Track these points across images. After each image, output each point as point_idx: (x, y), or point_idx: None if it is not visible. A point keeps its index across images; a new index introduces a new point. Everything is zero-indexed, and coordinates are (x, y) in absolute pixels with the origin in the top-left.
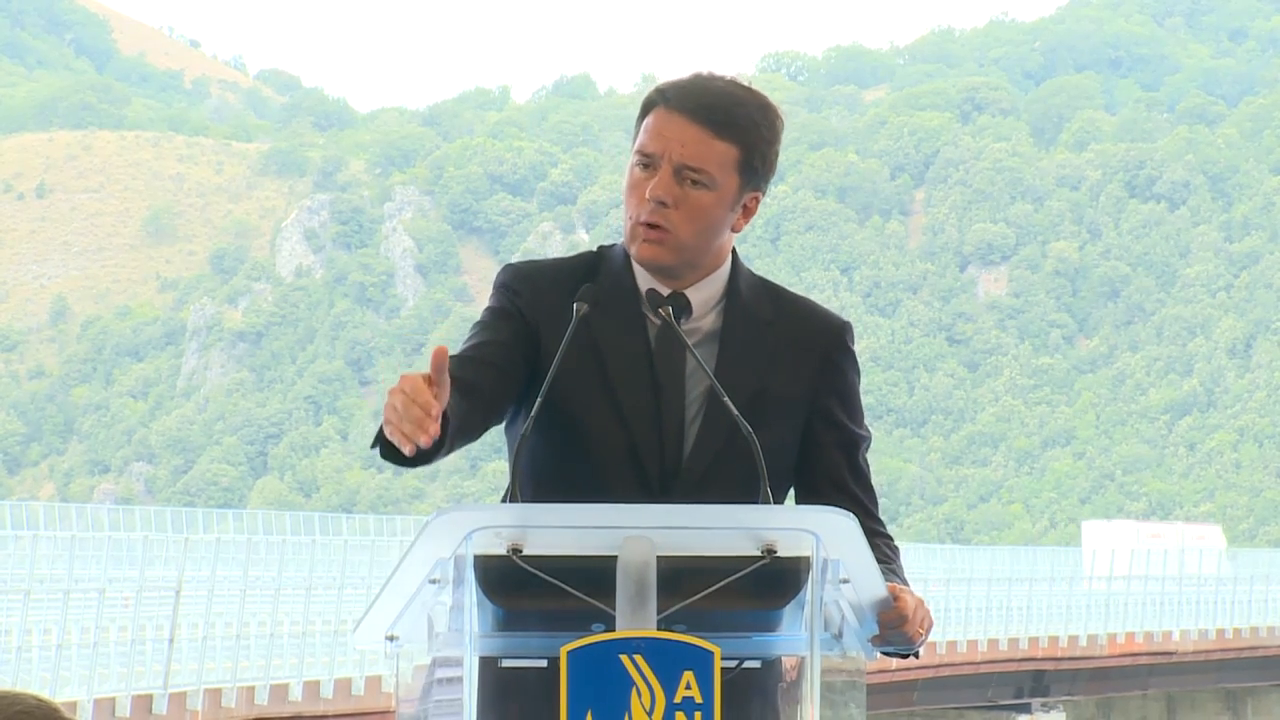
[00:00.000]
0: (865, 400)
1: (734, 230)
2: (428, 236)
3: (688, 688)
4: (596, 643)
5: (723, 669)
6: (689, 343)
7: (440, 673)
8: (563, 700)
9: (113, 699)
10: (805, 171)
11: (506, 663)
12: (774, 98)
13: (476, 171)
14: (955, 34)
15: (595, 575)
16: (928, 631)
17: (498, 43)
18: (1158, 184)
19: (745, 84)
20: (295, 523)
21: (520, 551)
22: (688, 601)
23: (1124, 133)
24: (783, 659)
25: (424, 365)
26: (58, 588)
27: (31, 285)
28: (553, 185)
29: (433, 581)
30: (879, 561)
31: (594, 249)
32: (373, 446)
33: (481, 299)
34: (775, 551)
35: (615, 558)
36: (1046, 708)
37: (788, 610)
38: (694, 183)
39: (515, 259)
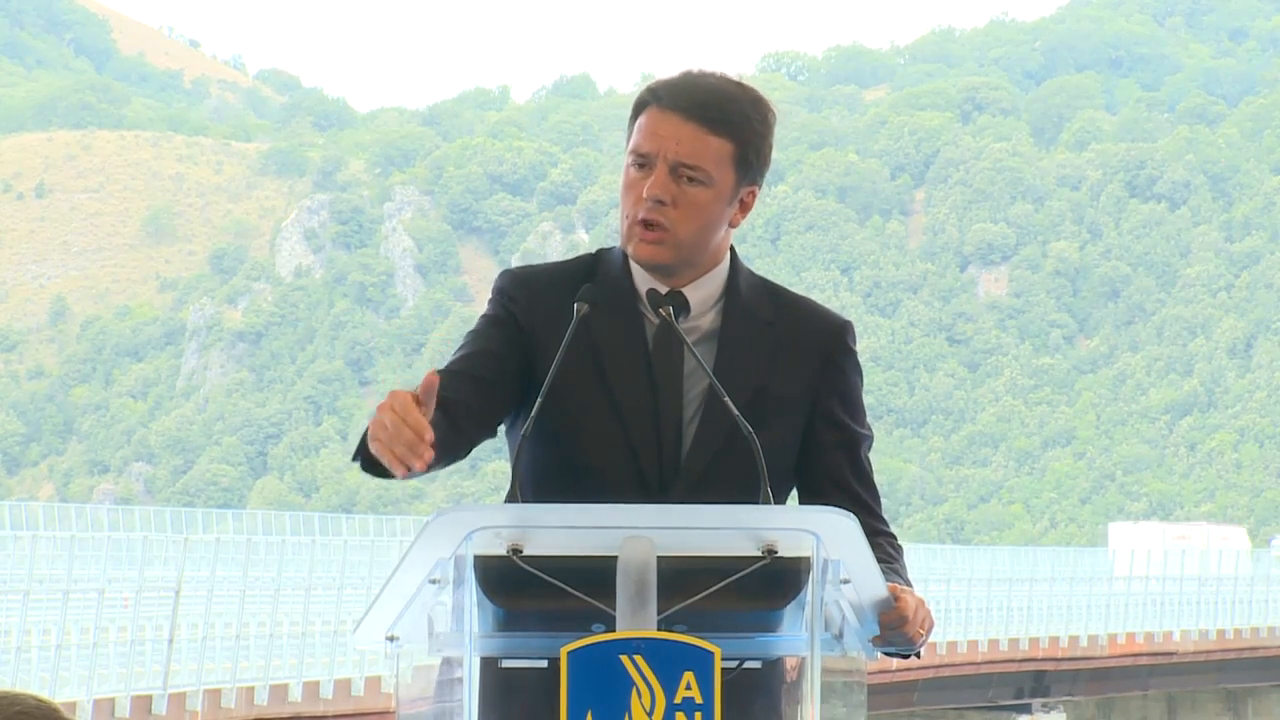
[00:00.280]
0: (865, 400)
1: (732, 226)
2: (428, 236)
3: (688, 688)
4: (597, 643)
5: (723, 669)
6: (688, 341)
7: (441, 673)
8: (563, 701)
9: (112, 699)
10: (805, 171)
11: (506, 663)
12: (774, 98)
13: (476, 171)
14: (955, 34)
15: (595, 575)
16: (928, 632)
17: (498, 43)
18: (1158, 184)
19: (735, 79)
20: (295, 523)
21: (520, 552)
22: (688, 602)
23: (1124, 132)
24: (784, 659)
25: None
26: (57, 588)
27: (31, 285)
28: (553, 185)
29: (433, 582)
30: (882, 561)
31: (593, 252)
32: (354, 459)
33: (481, 299)
34: (776, 552)
35: (615, 558)
36: (1047, 708)
37: (788, 610)
38: (690, 180)
39: (515, 259)
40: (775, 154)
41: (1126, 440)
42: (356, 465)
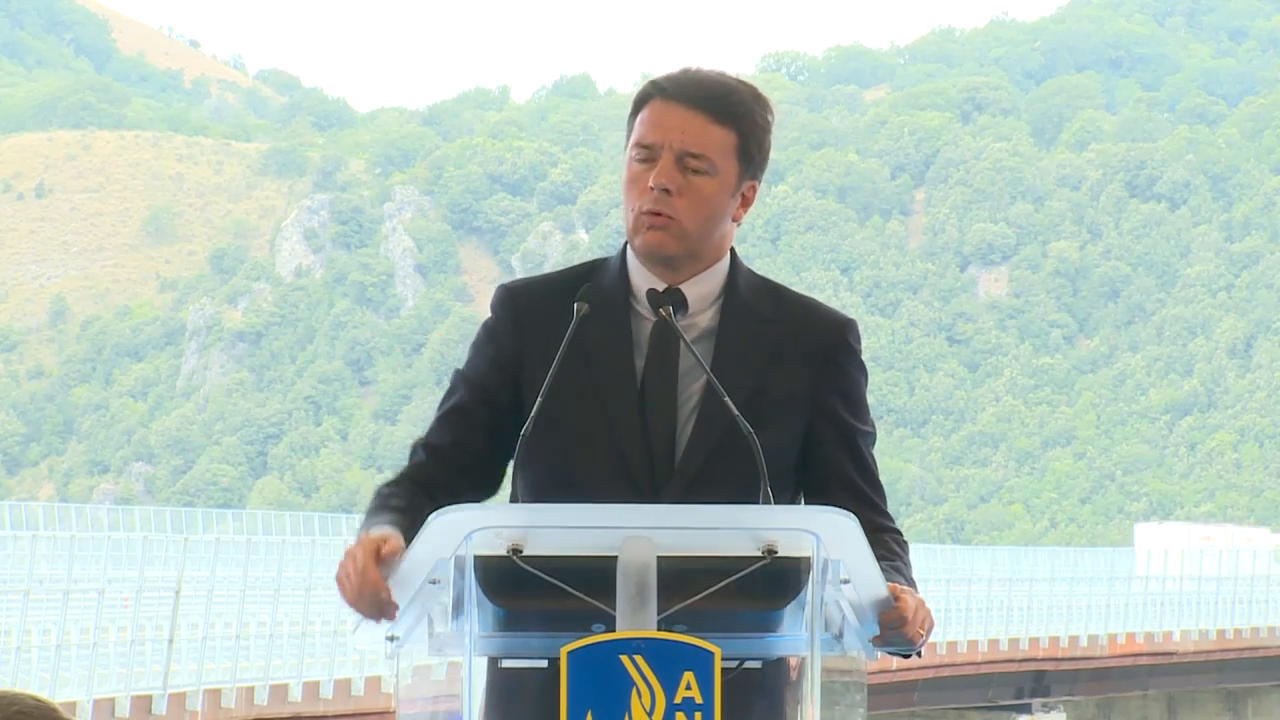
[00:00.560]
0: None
1: (734, 220)
2: (428, 236)
3: (688, 688)
4: (597, 643)
5: (723, 669)
6: (685, 338)
7: (440, 673)
8: (563, 701)
9: (112, 699)
10: (805, 171)
11: (506, 663)
12: (774, 98)
13: (476, 171)
14: (955, 34)
15: (595, 575)
16: (928, 632)
17: (498, 43)
18: (1158, 184)
19: (735, 76)
20: (295, 523)
21: (520, 552)
22: (688, 602)
23: (1124, 133)
24: (785, 659)
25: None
26: (57, 588)
27: (31, 285)
28: (553, 185)
29: (433, 582)
30: (886, 559)
31: (590, 260)
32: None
33: (481, 299)
34: (776, 552)
35: (615, 558)
36: (1047, 708)
37: (788, 610)
38: (695, 170)
39: (515, 259)
40: (775, 154)
41: (1126, 440)
42: (362, 460)
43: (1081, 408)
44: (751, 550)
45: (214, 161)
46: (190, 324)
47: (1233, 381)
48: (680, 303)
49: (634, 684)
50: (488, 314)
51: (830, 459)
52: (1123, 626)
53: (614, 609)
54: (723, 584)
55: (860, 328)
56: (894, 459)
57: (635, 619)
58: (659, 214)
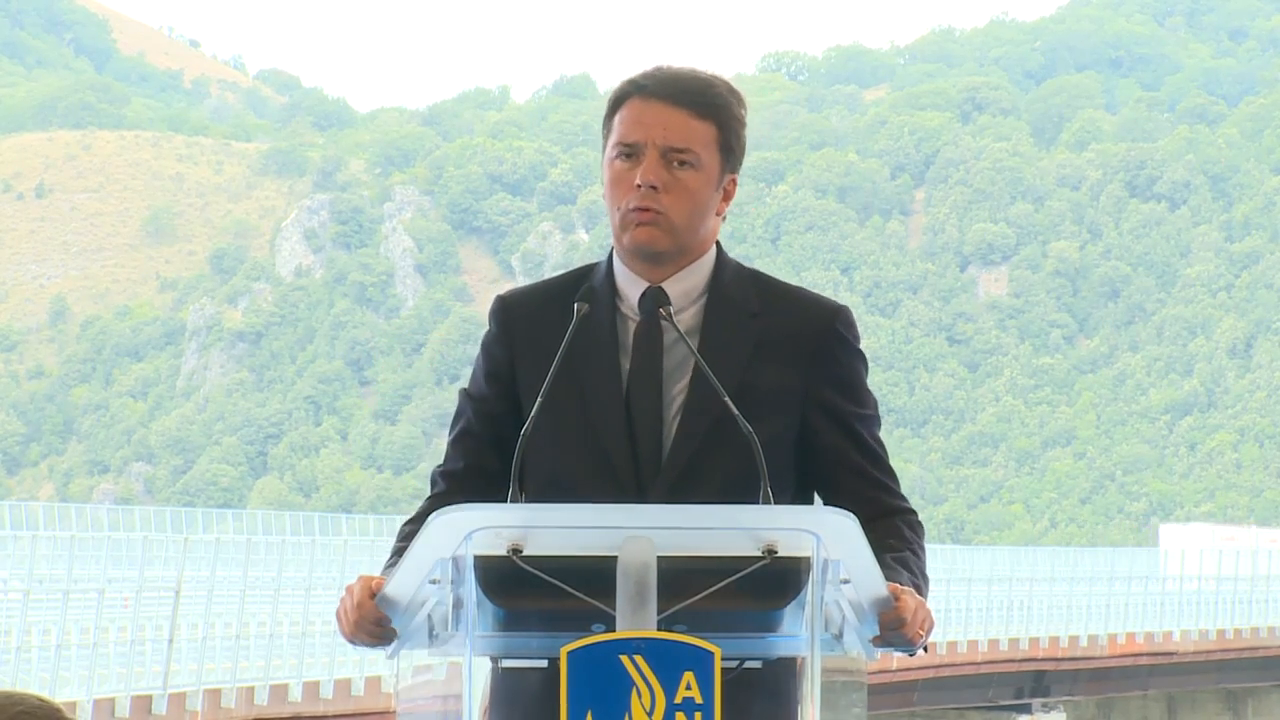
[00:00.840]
0: None
1: (718, 215)
2: (428, 236)
3: (688, 688)
4: (596, 643)
5: (723, 669)
6: (666, 338)
7: (440, 673)
8: (563, 701)
9: (112, 699)
10: (805, 171)
11: (506, 663)
12: (774, 98)
13: (476, 171)
14: (955, 34)
15: (595, 575)
16: (928, 632)
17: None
18: (1158, 184)
19: (705, 71)
20: (295, 523)
21: (520, 552)
22: (688, 602)
23: (1124, 133)
24: (784, 659)
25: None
26: (57, 588)
27: (31, 285)
28: (553, 185)
29: (433, 582)
30: (896, 548)
31: (582, 265)
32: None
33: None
34: (776, 552)
35: (615, 558)
36: (1047, 708)
37: (788, 610)
38: (681, 164)
39: (515, 259)
40: (775, 154)
41: (1126, 440)
42: (362, 460)
43: (1081, 408)
44: (751, 550)
45: (214, 161)
46: (190, 324)
47: (1233, 381)
48: (663, 301)
49: (634, 684)
50: (487, 315)
51: (832, 447)
52: (1123, 626)
53: (614, 609)
54: (723, 584)
55: (860, 328)
56: (894, 459)
57: (635, 619)
58: (648, 210)
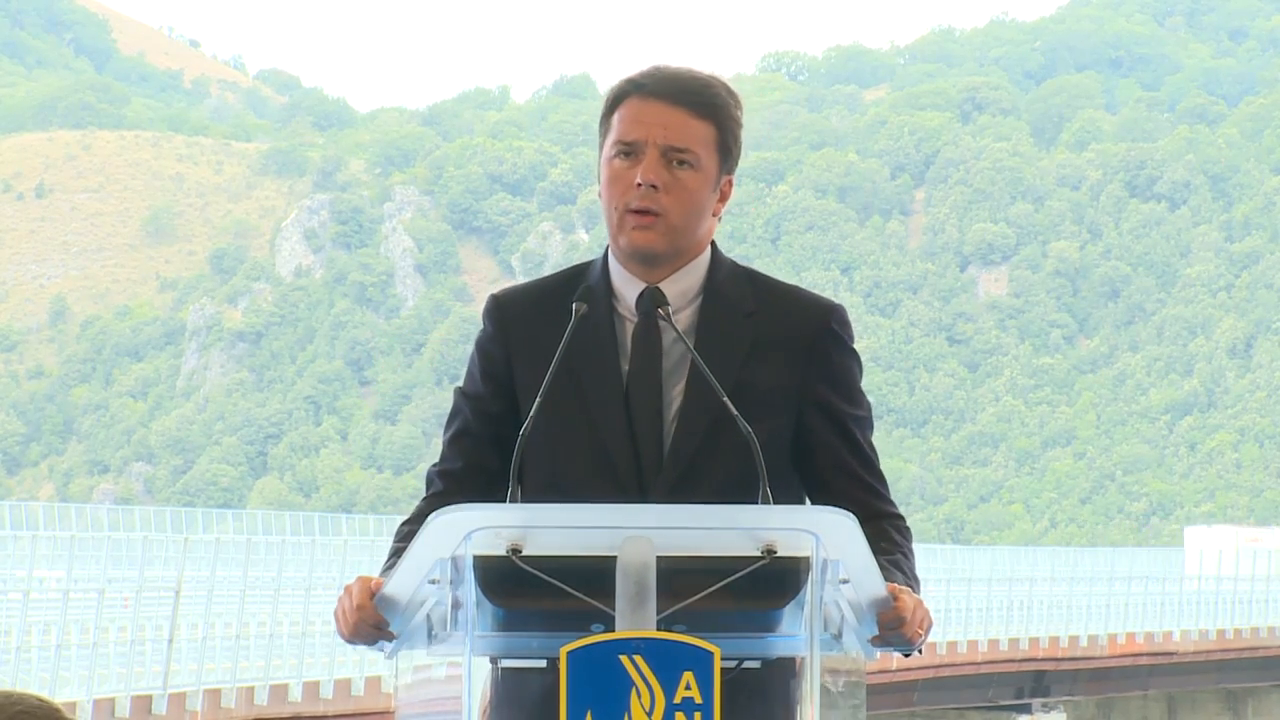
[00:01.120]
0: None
1: (714, 215)
2: (428, 236)
3: (687, 688)
4: (596, 643)
5: (722, 669)
6: (664, 339)
7: (440, 673)
8: (562, 701)
9: (112, 699)
10: (805, 171)
11: (506, 663)
12: (774, 98)
13: (476, 171)
14: (955, 34)
15: (595, 575)
16: (927, 632)
17: (498, 43)
18: (1158, 184)
19: (703, 71)
20: (295, 523)
21: (520, 552)
22: (688, 602)
23: (1124, 133)
24: (784, 659)
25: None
26: (57, 588)
27: (31, 285)
28: (552, 185)
29: (432, 582)
30: (887, 551)
31: (576, 264)
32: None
33: (481, 299)
34: (775, 552)
35: (615, 558)
36: (1047, 708)
37: (787, 610)
38: (680, 163)
39: (515, 259)
40: (775, 154)
41: (1126, 440)
42: (362, 460)
43: (1081, 408)
44: (751, 550)
45: (214, 161)
46: (190, 324)
47: (1233, 381)
48: (661, 301)
49: (633, 684)
50: (481, 314)
51: (825, 446)
52: (1123, 626)
53: (613, 609)
54: (722, 584)
55: (860, 328)
56: (894, 459)
57: (635, 619)
58: (647, 212)
